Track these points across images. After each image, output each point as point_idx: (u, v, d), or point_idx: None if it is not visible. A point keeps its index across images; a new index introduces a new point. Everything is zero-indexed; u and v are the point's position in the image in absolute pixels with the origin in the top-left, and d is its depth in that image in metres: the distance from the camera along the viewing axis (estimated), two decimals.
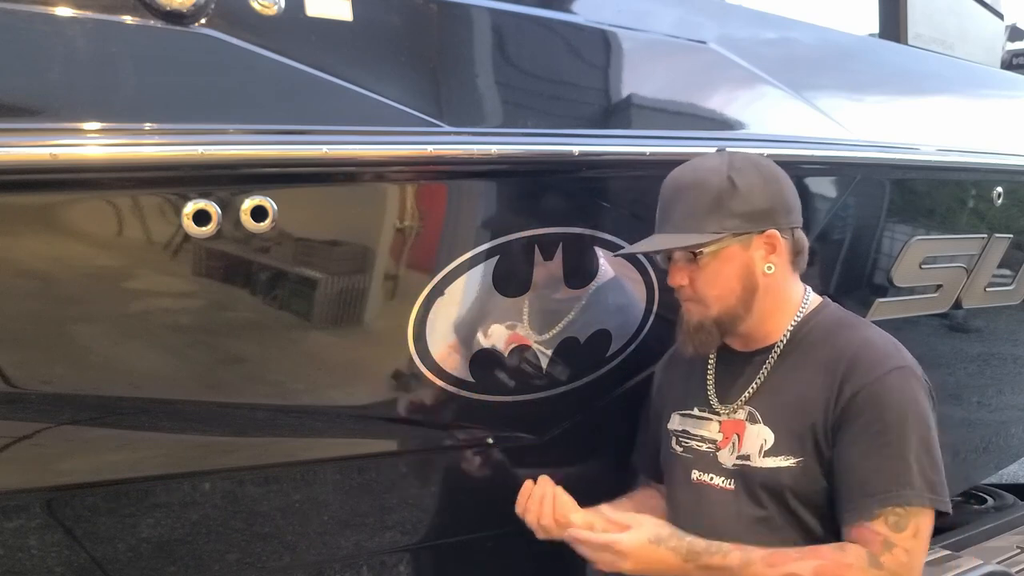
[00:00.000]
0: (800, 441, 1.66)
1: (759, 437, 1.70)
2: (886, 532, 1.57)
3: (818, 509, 1.67)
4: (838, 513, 1.64)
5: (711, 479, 1.75)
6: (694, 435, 1.81)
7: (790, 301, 1.76)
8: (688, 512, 1.77)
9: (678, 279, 1.71)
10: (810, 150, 2.22)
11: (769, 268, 1.71)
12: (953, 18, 3.30)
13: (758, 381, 1.74)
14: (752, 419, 1.72)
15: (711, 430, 1.78)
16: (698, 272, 1.69)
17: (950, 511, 1.62)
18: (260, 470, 1.85)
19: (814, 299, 1.79)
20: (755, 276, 1.71)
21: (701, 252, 1.67)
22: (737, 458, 1.72)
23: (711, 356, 1.84)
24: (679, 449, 1.83)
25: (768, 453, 1.68)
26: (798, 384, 1.70)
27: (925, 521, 1.59)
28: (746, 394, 1.74)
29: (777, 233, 1.70)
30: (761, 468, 1.68)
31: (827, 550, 1.60)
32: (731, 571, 1.61)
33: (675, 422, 1.85)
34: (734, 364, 1.79)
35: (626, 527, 1.67)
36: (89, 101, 1.43)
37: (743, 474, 1.70)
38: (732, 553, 1.62)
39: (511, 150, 1.77)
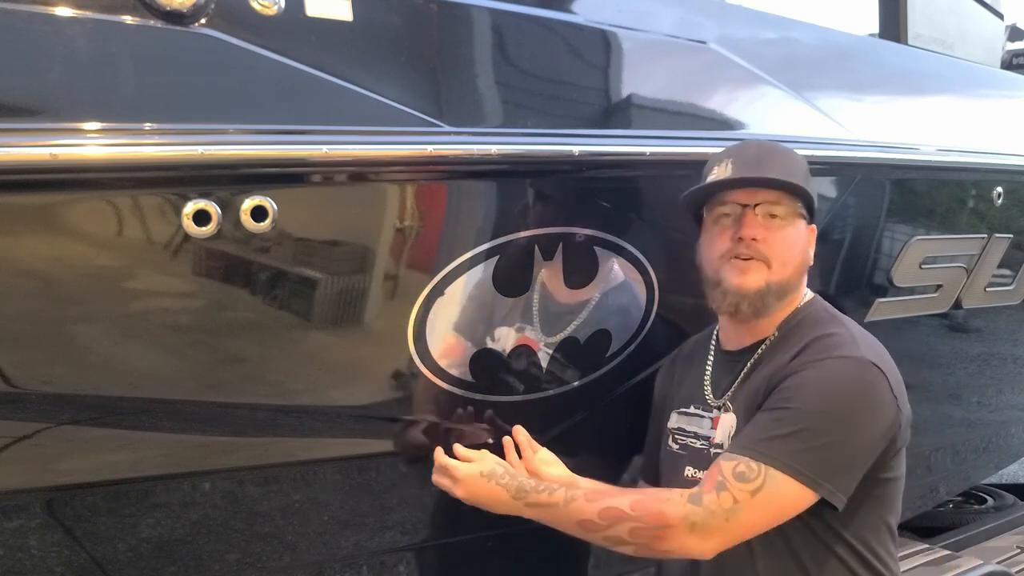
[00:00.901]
0: None
1: (729, 425, 1.73)
2: (727, 476, 1.56)
3: None
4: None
5: (703, 474, 1.75)
6: (689, 432, 1.82)
7: (798, 299, 1.79)
8: None
9: (754, 232, 1.67)
10: (810, 150, 2.21)
11: (811, 257, 1.77)
12: (953, 18, 3.30)
13: (743, 375, 1.76)
14: (727, 409, 1.75)
15: (704, 427, 1.80)
16: (774, 232, 1.69)
17: (835, 504, 1.58)
18: (260, 470, 1.85)
19: (808, 296, 1.82)
20: (807, 257, 1.76)
21: (796, 210, 1.70)
22: (714, 447, 1.74)
23: (709, 355, 1.86)
24: (675, 447, 1.85)
25: (734, 437, 1.70)
26: (764, 373, 1.72)
27: (779, 488, 1.55)
28: (732, 389, 1.77)
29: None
30: None
31: (651, 490, 1.67)
32: (556, 508, 1.64)
33: (673, 420, 1.87)
34: (727, 362, 1.82)
35: (470, 460, 1.75)
36: (89, 101, 1.43)
37: None
38: (558, 491, 1.66)
39: (511, 150, 1.77)
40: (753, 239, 1.68)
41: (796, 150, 1.82)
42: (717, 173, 1.71)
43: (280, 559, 1.94)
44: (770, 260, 1.69)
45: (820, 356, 1.64)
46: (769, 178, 1.68)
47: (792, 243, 1.71)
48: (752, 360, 1.76)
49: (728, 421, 1.73)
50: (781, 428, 1.58)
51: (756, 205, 1.68)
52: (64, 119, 1.41)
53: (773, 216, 1.69)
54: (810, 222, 1.76)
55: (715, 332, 1.89)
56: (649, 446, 2.00)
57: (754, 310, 1.71)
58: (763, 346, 1.76)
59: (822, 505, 1.60)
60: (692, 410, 1.84)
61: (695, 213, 1.79)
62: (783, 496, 1.56)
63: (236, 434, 1.79)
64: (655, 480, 1.94)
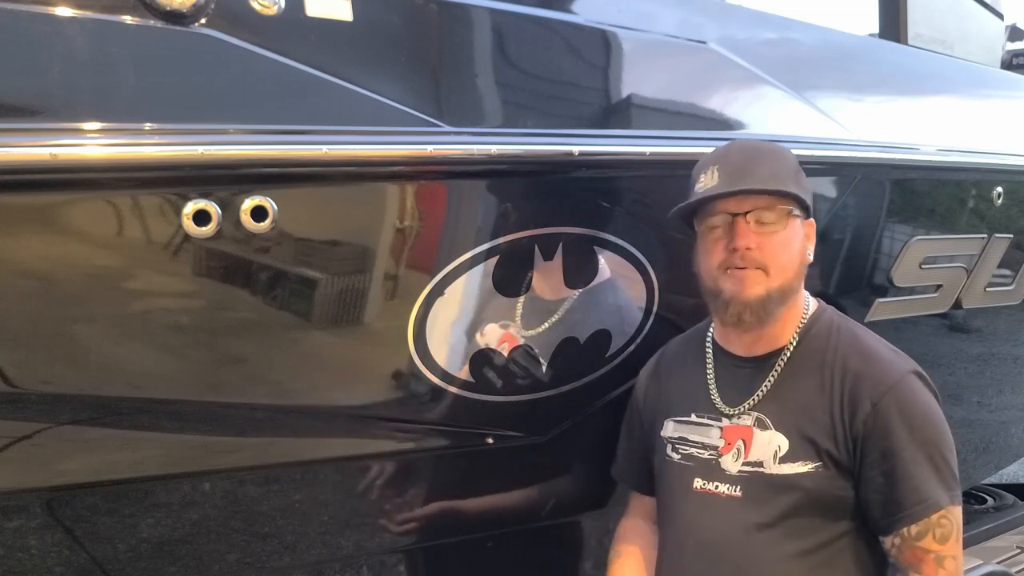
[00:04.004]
0: (813, 446, 1.66)
1: (771, 443, 1.68)
2: (936, 547, 1.62)
3: (830, 514, 1.67)
4: (877, 521, 1.66)
5: (716, 487, 1.71)
6: (693, 442, 1.77)
7: (802, 300, 1.77)
8: (690, 522, 1.74)
9: (747, 241, 1.65)
10: (810, 150, 2.21)
11: (810, 254, 1.75)
12: (953, 18, 3.29)
13: (767, 386, 1.72)
14: (761, 425, 1.70)
15: (712, 436, 1.75)
16: (768, 238, 1.65)
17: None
18: (260, 470, 1.85)
19: (813, 302, 1.79)
20: (805, 256, 1.73)
21: (790, 212, 1.67)
22: (744, 465, 1.70)
23: (709, 362, 1.82)
24: (676, 457, 1.79)
25: (784, 459, 1.66)
26: (804, 390, 1.70)
27: (959, 517, 1.65)
28: (753, 399, 1.72)
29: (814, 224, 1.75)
30: (778, 474, 1.66)
31: None
32: None
33: (669, 429, 1.82)
34: (738, 369, 1.77)
35: None
36: (89, 101, 1.43)
37: (754, 481, 1.68)
38: None
39: (511, 150, 1.77)
40: (748, 248, 1.65)
41: (786, 147, 1.79)
42: (704, 181, 1.68)
43: (280, 559, 1.94)
44: (767, 266, 1.66)
45: (891, 381, 1.66)
46: (754, 189, 1.65)
47: (787, 246, 1.68)
48: (777, 371, 1.72)
49: (772, 439, 1.68)
50: (932, 471, 1.63)
51: (746, 213, 1.65)
52: (64, 119, 1.41)
53: (765, 222, 1.66)
54: (807, 217, 1.73)
55: (709, 333, 1.85)
56: (632, 454, 1.95)
57: (758, 318, 1.68)
58: (784, 355, 1.73)
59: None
60: (694, 418, 1.78)
61: (688, 223, 1.76)
62: (961, 520, 1.67)
63: (236, 434, 1.79)
64: (646, 488, 1.91)
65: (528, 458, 2.07)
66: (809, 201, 1.72)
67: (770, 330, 1.73)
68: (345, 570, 2.05)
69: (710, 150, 1.78)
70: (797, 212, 1.69)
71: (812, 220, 1.75)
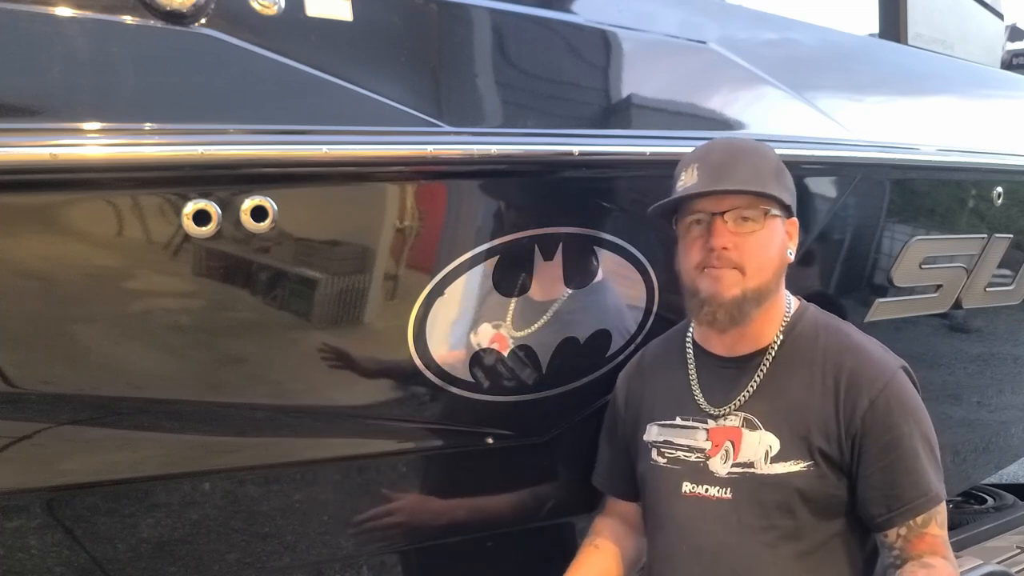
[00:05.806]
0: (805, 445, 1.65)
1: (762, 443, 1.67)
2: (940, 532, 1.66)
3: (823, 514, 1.67)
4: (875, 517, 1.66)
5: (705, 490, 1.70)
6: (679, 445, 1.76)
7: (783, 299, 1.76)
8: (682, 527, 1.72)
9: (724, 241, 1.64)
10: (810, 150, 2.22)
11: (791, 253, 1.73)
12: (953, 18, 3.30)
13: (753, 386, 1.72)
14: (750, 425, 1.69)
15: (698, 439, 1.73)
16: (745, 238, 1.64)
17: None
18: (260, 470, 1.85)
19: (794, 300, 1.79)
20: (785, 257, 1.72)
21: (768, 212, 1.65)
22: (734, 466, 1.69)
23: (691, 363, 1.81)
24: (662, 461, 1.77)
25: (776, 459, 1.66)
26: (794, 388, 1.69)
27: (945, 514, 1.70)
28: (739, 399, 1.72)
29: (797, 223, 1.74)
30: (770, 474, 1.66)
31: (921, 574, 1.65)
32: None
33: (653, 433, 1.80)
34: (721, 370, 1.76)
35: None
36: (89, 101, 1.44)
37: (744, 482, 1.67)
38: None
39: (511, 150, 1.77)
40: (724, 248, 1.63)
41: (769, 145, 1.78)
42: (684, 180, 1.67)
43: (280, 559, 1.94)
44: (744, 267, 1.64)
45: (884, 379, 1.67)
46: (732, 189, 1.63)
47: (765, 247, 1.66)
48: (762, 370, 1.72)
49: (762, 439, 1.67)
50: (929, 465, 1.66)
51: (724, 212, 1.64)
52: (64, 119, 1.41)
53: (745, 219, 1.64)
54: (789, 216, 1.71)
55: (689, 334, 1.84)
56: (614, 461, 1.93)
57: (730, 318, 1.66)
58: (769, 354, 1.72)
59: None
60: (679, 421, 1.77)
61: (670, 221, 1.75)
62: None
63: (236, 434, 1.79)
64: (630, 496, 1.89)
65: (528, 458, 2.07)
66: (791, 200, 1.71)
67: (750, 330, 1.72)
68: (345, 570, 2.05)
69: None
70: (777, 212, 1.68)
71: (795, 219, 1.74)
